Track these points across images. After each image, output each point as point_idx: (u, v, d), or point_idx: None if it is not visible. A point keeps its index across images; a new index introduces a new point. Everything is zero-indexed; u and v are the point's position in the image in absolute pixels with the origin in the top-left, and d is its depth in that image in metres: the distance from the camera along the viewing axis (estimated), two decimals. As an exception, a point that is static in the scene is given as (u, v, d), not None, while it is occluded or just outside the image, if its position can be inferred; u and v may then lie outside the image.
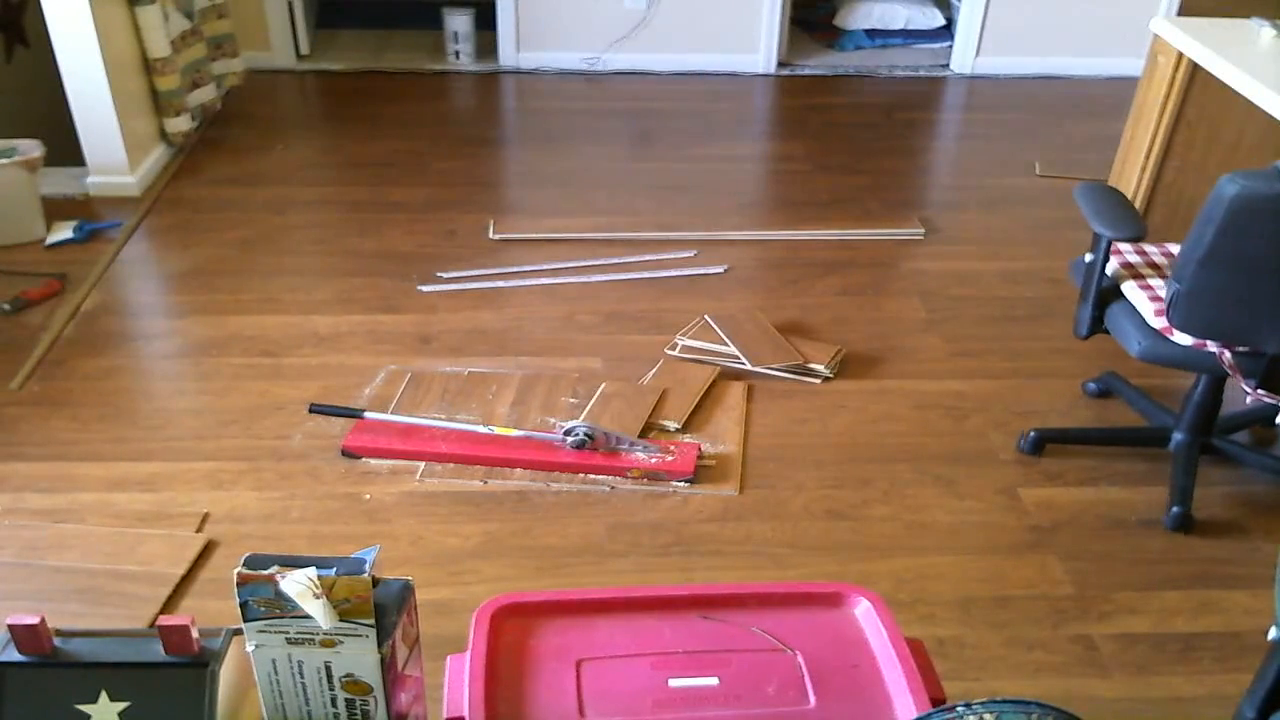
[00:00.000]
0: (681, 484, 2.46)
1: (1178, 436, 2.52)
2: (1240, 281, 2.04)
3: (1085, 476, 2.53)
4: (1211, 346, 2.16)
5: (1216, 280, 2.04)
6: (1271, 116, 2.83)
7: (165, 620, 0.99)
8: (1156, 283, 2.29)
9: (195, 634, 1.01)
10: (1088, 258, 2.31)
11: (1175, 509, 2.38)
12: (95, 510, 2.34)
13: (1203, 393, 2.47)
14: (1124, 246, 2.42)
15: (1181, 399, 2.54)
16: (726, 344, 2.85)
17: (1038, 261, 3.48)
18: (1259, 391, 2.19)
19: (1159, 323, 2.18)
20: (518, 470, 2.49)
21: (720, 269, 3.39)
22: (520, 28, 5.05)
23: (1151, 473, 2.54)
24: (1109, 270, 2.34)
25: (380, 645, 0.97)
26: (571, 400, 2.74)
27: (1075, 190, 2.35)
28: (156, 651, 1.00)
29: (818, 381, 2.78)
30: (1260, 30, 3.00)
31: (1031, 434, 2.60)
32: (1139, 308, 2.25)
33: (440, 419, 2.62)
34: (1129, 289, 2.29)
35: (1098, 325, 2.35)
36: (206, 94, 4.25)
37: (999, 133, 4.60)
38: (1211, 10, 3.43)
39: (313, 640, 0.97)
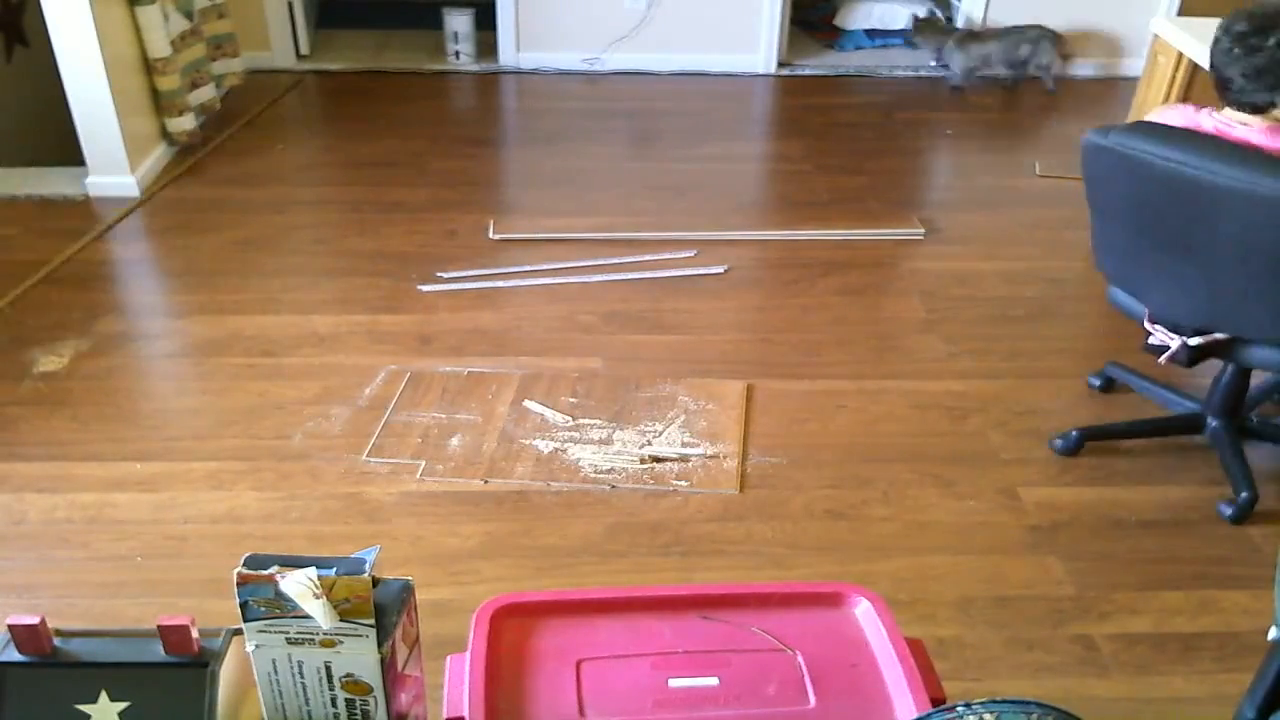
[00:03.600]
0: (681, 484, 2.46)
1: (1213, 423, 2.51)
2: (1116, 231, 2.20)
3: (1085, 476, 2.53)
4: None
5: (1105, 228, 2.22)
6: (1271, 116, 2.82)
7: (165, 620, 0.99)
8: None
9: (195, 634, 1.01)
10: None
11: (1243, 494, 2.35)
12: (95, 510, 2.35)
13: (1231, 375, 2.47)
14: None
15: (1210, 384, 2.54)
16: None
17: (1038, 261, 3.48)
18: (1156, 327, 2.27)
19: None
20: (518, 470, 2.49)
21: (720, 269, 3.39)
22: (520, 28, 5.05)
23: (1152, 471, 2.54)
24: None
25: (380, 645, 0.97)
26: (571, 400, 2.74)
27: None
28: (156, 651, 1.00)
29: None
30: (1260, 30, 3.00)
31: (1074, 433, 2.56)
32: None
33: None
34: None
35: None
36: (206, 94, 4.25)
37: (999, 133, 4.60)
38: (1211, 10, 3.43)
39: (313, 640, 0.97)
